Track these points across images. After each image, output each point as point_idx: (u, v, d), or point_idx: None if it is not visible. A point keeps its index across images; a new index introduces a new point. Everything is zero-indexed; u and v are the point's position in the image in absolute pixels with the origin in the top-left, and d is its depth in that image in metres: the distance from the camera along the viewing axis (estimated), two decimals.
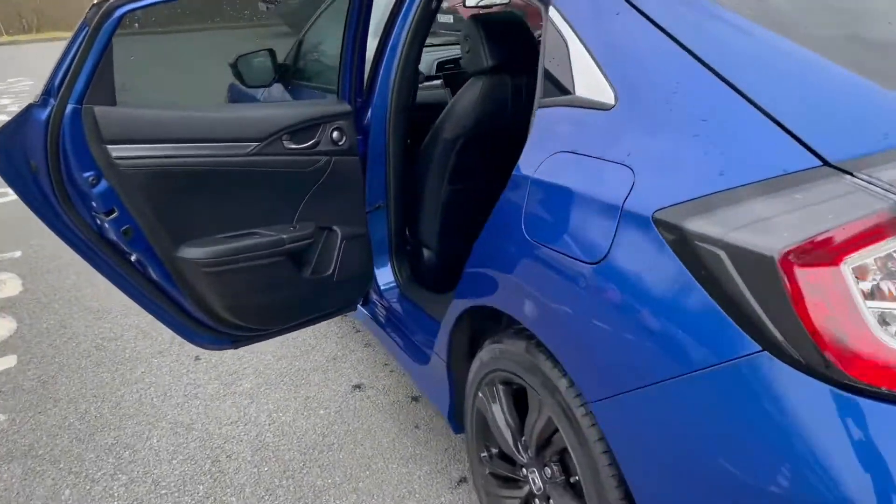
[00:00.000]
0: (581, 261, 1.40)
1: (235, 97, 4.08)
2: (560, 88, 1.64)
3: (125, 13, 1.77)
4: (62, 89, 1.77)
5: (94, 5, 1.75)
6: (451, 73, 4.00)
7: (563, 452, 1.65)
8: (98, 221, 1.96)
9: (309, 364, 3.13)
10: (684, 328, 1.23)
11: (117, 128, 1.86)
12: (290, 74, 3.43)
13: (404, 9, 2.54)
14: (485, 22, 2.52)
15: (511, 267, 1.63)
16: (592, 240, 1.39)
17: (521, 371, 1.71)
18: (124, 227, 1.96)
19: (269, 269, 2.23)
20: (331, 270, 2.43)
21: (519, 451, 1.84)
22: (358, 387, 2.94)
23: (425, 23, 2.53)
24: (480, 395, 1.95)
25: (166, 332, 3.41)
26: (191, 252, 2.06)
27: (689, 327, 1.22)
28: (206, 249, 2.07)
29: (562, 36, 1.67)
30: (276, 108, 2.27)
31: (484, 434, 2.01)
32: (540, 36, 1.80)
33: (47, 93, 1.79)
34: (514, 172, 1.66)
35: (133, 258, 2.05)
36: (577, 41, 1.62)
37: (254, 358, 3.18)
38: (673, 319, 1.24)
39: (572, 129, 1.56)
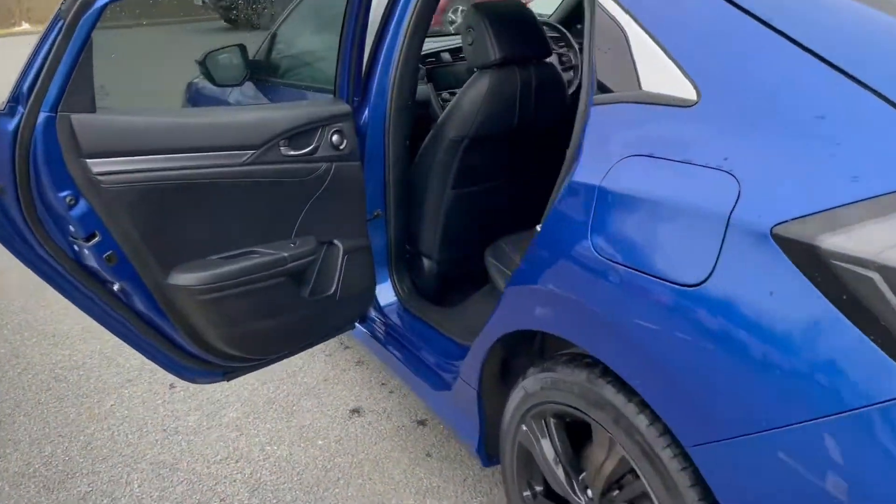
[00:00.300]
0: (676, 283, 1.20)
1: (195, 98, 3.78)
2: (619, 84, 1.45)
3: (106, 4, 1.49)
4: (33, 95, 1.49)
5: None
6: (433, 68, 3.77)
7: (642, 498, 1.46)
8: (76, 248, 1.69)
9: (298, 388, 2.87)
10: (825, 363, 1.04)
11: (98, 139, 1.59)
12: (264, 71, 3.15)
13: None
14: (490, 11, 2.31)
15: (575, 289, 1.42)
16: (690, 258, 1.20)
17: (583, 404, 1.51)
18: (107, 254, 1.68)
19: (270, 292, 1.98)
20: (333, 289, 2.19)
21: (575, 492, 1.64)
22: (356, 411, 2.70)
23: (428, 10, 2.30)
24: (524, 427, 1.74)
25: (134, 357, 3.11)
26: (183, 278, 1.80)
27: (830, 362, 1.04)
28: (200, 274, 1.81)
29: (617, 23, 1.47)
30: (270, 110, 2.01)
31: (528, 470, 1.81)
32: (581, 25, 1.60)
33: (15, 99, 1.51)
34: (568, 180, 1.45)
35: (116, 287, 1.77)
36: (639, 29, 1.43)
37: (236, 383, 2.90)
38: (807, 353, 1.06)
39: (645, 130, 1.36)
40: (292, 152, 2.01)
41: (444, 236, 2.56)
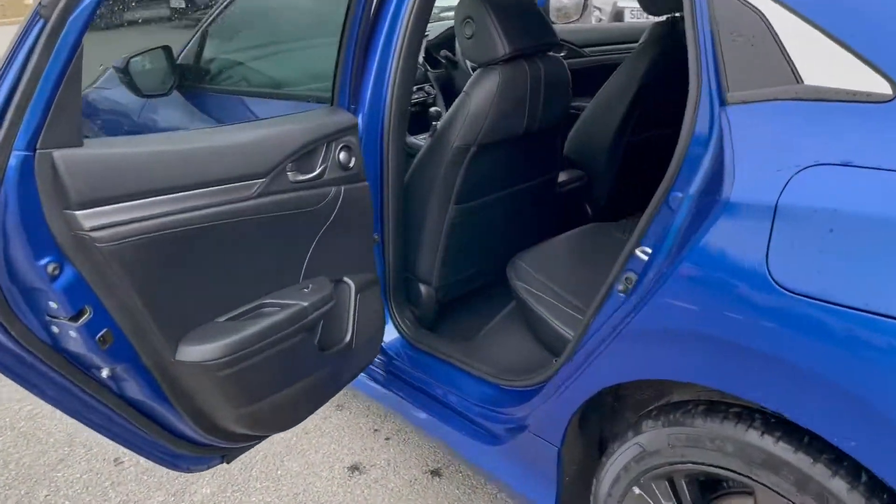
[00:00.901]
0: None
1: (94, 113, 3.20)
2: (767, 78, 1.19)
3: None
4: (3, 127, 1.04)
5: None
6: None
7: None
8: (54, 329, 1.23)
9: (276, 446, 2.45)
10: None
11: (91, 182, 1.15)
12: (196, 78, 2.67)
13: None
14: None
15: (747, 331, 1.16)
16: None
17: (741, 465, 1.25)
18: (101, 333, 1.25)
19: (291, 353, 1.59)
20: (349, 336, 1.82)
21: None
22: (355, 468, 2.33)
23: (429, 2, 1.96)
24: (638, 490, 1.46)
25: (57, 429, 2.56)
26: (196, 352, 1.38)
27: None
28: (216, 345, 1.40)
29: (751, 7, 1.22)
30: (268, 126, 1.61)
31: None
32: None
33: None
34: (722, 197, 1.17)
35: (104, 373, 1.33)
36: (786, 12, 1.18)
37: None
38: None
39: (827, 132, 1.11)
40: (300, 177, 1.62)
41: (445, 258, 2.24)
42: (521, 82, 2.08)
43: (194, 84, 2.66)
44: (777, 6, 1.19)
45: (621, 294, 1.52)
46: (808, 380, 1.09)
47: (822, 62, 1.14)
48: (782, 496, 1.21)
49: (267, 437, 1.79)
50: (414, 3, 1.90)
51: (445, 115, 2.09)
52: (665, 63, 2.57)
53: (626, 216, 2.99)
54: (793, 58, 1.17)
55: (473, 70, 2.16)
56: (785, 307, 1.10)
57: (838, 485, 1.14)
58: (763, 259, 1.12)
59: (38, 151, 1.08)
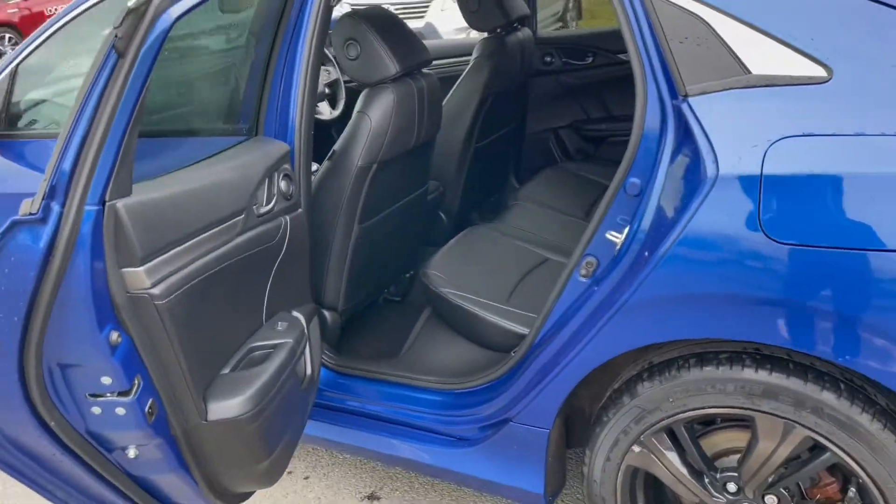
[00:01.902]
0: None
1: None
2: (719, 71, 1.42)
3: (180, 17, 0.95)
4: (79, 179, 0.89)
5: (129, 12, 0.90)
6: None
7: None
8: (94, 412, 1.06)
9: None
10: None
11: (151, 231, 1.02)
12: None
13: (295, 8, 1.89)
14: (372, 19, 2.07)
15: (750, 282, 1.36)
16: None
17: (743, 400, 1.47)
18: (148, 405, 1.10)
19: (289, 394, 1.51)
20: (310, 369, 1.76)
21: (713, 493, 1.59)
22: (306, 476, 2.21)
23: (326, 26, 1.94)
24: (638, 448, 1.62)
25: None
26: (226, 408, 1.28)
27: None
28: (243, 397, 1.31)
29: (692, 13, 1.45)
30: (226, 161, 1.51)
31: (632, 496, 1.70)
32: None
33: (49, 194, 0.88)
34: (707, 174, 1.37)
35: (131, 453, 1.17)
36: (723, 16, 1.43)
37: None
38: None
39: (785, 110, 1.36)
40: (263, 210, 1.54)
41: (350, 280, 2.23)
42: (411, 99, 2.15)
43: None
44: (715, 12, 1.42)
45: (584, 279, 1.68)
46: (809, 313, 1.33)
47: (764, 55, 1.39)
48: (782, 418, 1.44)
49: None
50: (314, 26, 1.88)
51: (343, 137, 2.09)
52: (501, 73, 2.79)
53: (477, 219, 3.19)
54: (738, 54, 1.41)
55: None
56: (780, 257, 1.32)
57: (828, 396, 1.40)
58: (756, 220, 1.34)
59: (106, 204, 0.93)
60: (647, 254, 1.48)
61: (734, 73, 1.41)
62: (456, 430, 1.91)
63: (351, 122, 2.08)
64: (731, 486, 1.58)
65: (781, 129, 1.34)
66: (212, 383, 1.29)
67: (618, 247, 1.55)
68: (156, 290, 1.04)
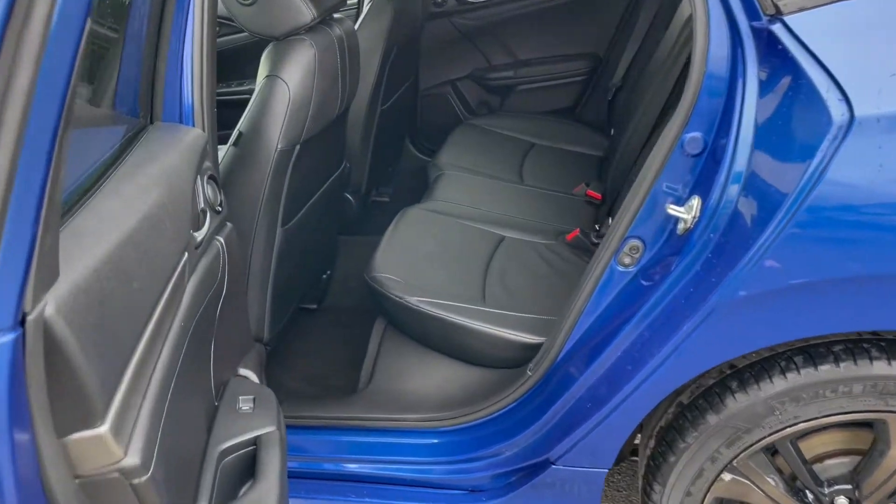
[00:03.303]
0: None
1: None
2: None
3: None
4: None
5: None
6: None
7: None
8: None
9: None
10: None
11: (104, 342, 0.48)
12: None
13: None
14: None
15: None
16: None
17: (875, 402, 1.16)
18: None
19: None
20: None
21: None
22: None
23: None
24: (730, 477, 1.28)
25: None
26: None
27: None
28: None
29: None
30: (144, 165, 0.94)
31: None
32: None
33: None
34: (835, 118, 1.01)
35: None
36: None
37: None
38: None
39: None
40: (199, 238, 1.00)
41: (276, 300, 1.69)
42: (332, 53, 1.62)
43: None
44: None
45: (625, 268, 1.29)
46: None
47: None
48: None
49: None
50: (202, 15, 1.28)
51: (251, 112, 1.53)
52: (404, 16, 2.30)
53: (381, 196, 2.70)
54: None
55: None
56: None
57: None
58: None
59: (28, 321, 0.41)
60: (743, 233, 1.10)
61: None
62: (467, 479, 1.47)
63: (259, 92, 1.52)
64: (842, 501, 1.28)
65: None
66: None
67: (686, 225, 1.17)
68: (132, 461, 0.52)
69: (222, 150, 1.56)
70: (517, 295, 1.71)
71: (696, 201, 1.16)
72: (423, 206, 2.06)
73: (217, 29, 2.74)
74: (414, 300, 1.60)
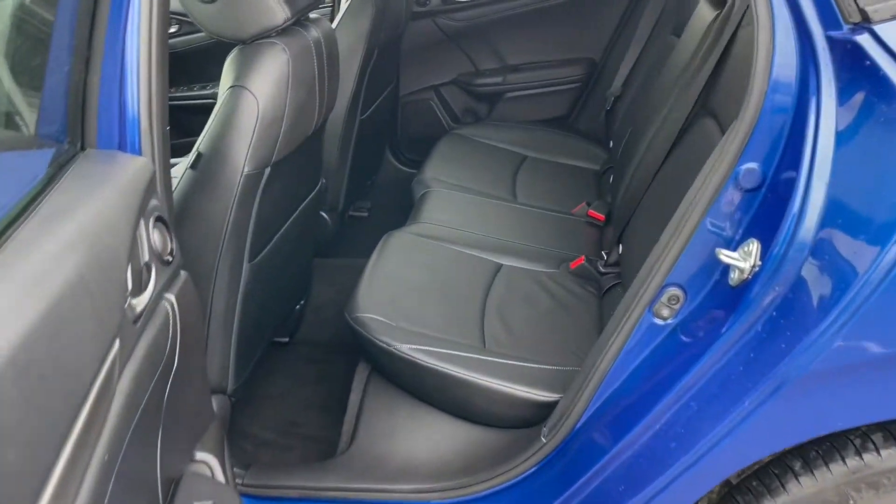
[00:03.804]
0: None
1: None
2: None
3: None
4: None
5: None
6: None
7: None
8: None
9: None
10: None
11: None
12: None
13: None
14: None
15: None
16: None
17: None
18: None
19: None
20: None
21: None
22: None
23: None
24: None
25: None
26: None
27: None
28: None
29: None
30: (64, 216, 0.70)
31: None
32: None
33: None
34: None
35: None
36: None
37: None
38: None
39: None
40: (139, 308, 0.76)
41: (241, 345, 1.45)
42: (309, 58, 1.39)
43: None
44: None
45: (662, 321, 1.09)
46: None
47: None
48: None
49: None
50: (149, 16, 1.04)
51: (213, 129, 1.29)
52: (386, 16, 2.07)
53: (359, 210, 2.47)
54: None
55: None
56: None
57: None
58: None
59: None
60: (821, 289, 0.90)
61: None
62: None
63: (222, 106, 1.28)
64: None
65: None
66: None
67: (742, 275, 0.97)
68: None
69: (179, 167, 1.32)
70: (521, 336, 1.50)
71: (753, 246, 0.96)
72: (409, 230, 1.84)
73: (177, 28, 2.48)
74: (406, 348, 1.37)
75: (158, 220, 0.89)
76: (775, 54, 0.94)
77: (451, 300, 1.59)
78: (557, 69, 2.57)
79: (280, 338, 1.92)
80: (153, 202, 0.88)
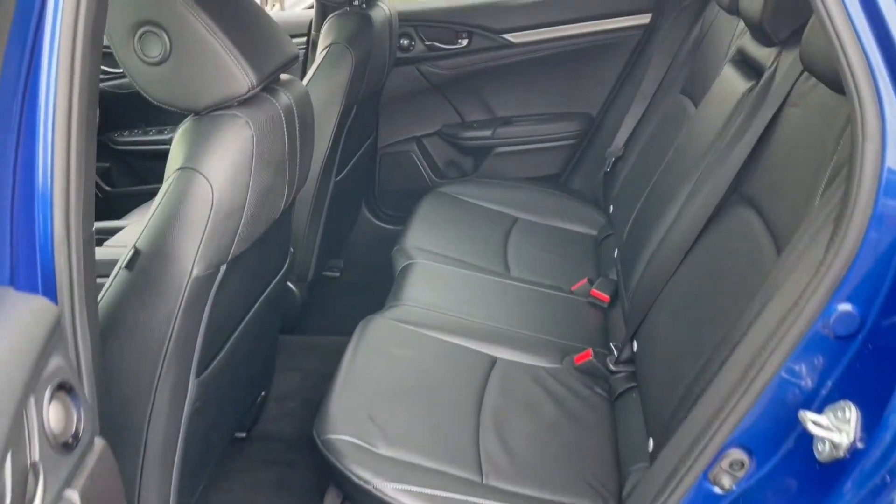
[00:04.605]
0: None
1: None
2: None
3: None
4: None
5: None
6: None
7: None
8: None
9: None
10: None
11: None
12: None
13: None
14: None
15: None
16: None
17: None
18: None
19: None
20: None
21: None
22: None
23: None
24: None
25: None
26: None
27: None
28: None
29: None
30: None
31: None
32: None
33: None
34: None
35: None
36: None
37: None
38: None
39: None
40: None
41: (184, 472, 1.19)
42: (279, 132, 1.15)
43: None
44: None
45: (720, 490, 0.87)
46: None
47: None
48: None
49: None
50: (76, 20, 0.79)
51: (156, 221, 1.04)
52: (367, 69, 1.85)
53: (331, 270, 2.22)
54: None
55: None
56: None
57: None
58: None
59: None
60: None
61: None
62: None
63: (168, 191, 1.03)
64: None
65: None
66: None
67: (836, 453, 0.75)
68: None
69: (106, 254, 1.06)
70: (524, 461, 1.26)
71: (851, 413, 0.74)
72: (389, 314, 1.60)
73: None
74: (389, 489, 1.12)
75: (60, 388, 0.64)
76: (884, 170, 0.73)
77: (440, 410, 1.35)
78: (551, 124, 2.36)
79: (236, 433, 1.66)
80: (53, 363, 0.63)
